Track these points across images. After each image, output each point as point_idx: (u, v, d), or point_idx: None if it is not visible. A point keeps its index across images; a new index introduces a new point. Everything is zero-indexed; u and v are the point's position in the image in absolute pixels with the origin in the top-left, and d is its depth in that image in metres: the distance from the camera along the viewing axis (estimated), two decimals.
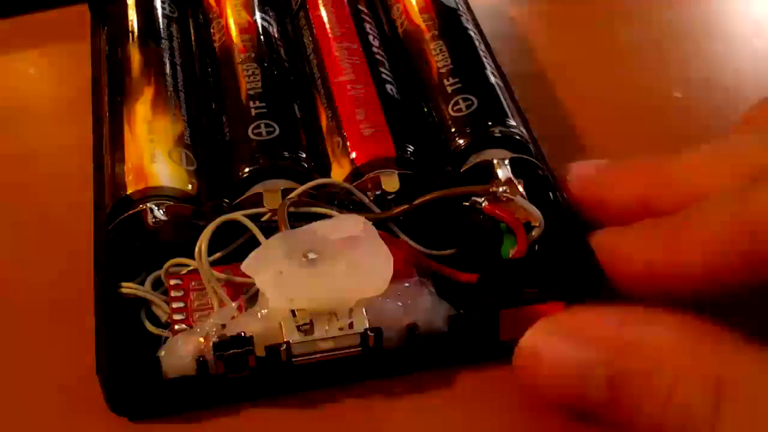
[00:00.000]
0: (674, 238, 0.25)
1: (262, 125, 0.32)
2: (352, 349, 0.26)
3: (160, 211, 0.29)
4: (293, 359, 0.26)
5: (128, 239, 0.29)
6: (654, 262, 0.26)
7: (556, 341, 0.25)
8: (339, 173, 0.31)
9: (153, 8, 0.36)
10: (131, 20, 0.36)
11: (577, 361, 0.24)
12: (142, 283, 0.29)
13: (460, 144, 0.31)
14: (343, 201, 0.30)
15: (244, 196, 0.30)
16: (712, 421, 0.22)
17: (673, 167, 0.27)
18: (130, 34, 0.35)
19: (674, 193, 0.27)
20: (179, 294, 0.28)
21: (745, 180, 0.24)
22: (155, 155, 0.30)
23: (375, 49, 0.35)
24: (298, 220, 0.29)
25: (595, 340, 0.24)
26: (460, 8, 0.36)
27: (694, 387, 0.23)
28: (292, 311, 0.26)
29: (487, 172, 0.30)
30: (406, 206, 0.30)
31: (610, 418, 0.25)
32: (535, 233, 0.29)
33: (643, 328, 0.24)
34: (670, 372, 0.23)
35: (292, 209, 0.29)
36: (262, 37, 0.35)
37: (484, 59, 0.34)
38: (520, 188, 0.30)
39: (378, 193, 0.30)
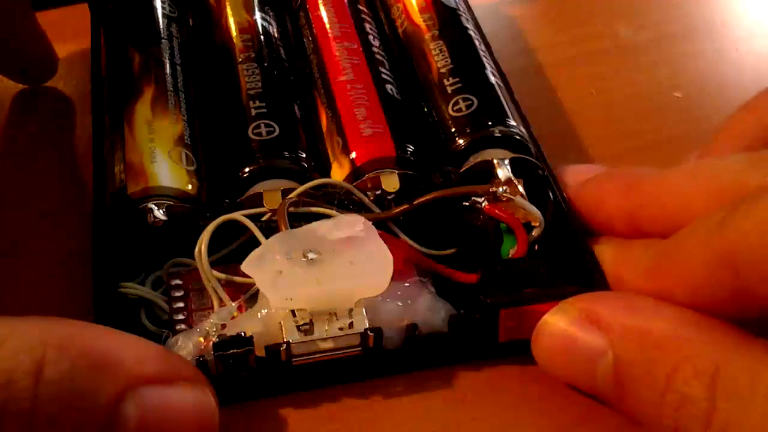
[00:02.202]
0: (658, 267, 0.26)
1: (262, 125, 0.32)
2: (352, 349, 0.26)
3: (160, 211, 0.29)
4: (293, 359, 0.26)
5: (128, 239, 0.29)
6: (640, 287, 0.26)
7: (569, 324, 0.26)
8: (339, 173, 0.31)
9: (153, 8, 0.36)
10: (131, 20, 0.36)
11: (586, 345, 0.25)
12: (142, 283, 0.29)
13: (460, 144, 0.31)
14: (343, 201, 0.30)
15: (244, 196, 0.30)
16: (708, 413, 0.22)
17: (658, 187, 0.28)
18: (130, 34, 0.35)
19: (660, 213, 0.27)
20: (179, 294, 0.28)
21: (727, 203, 0.24)
22: (155, 155, 0.30)
23: (375, 49, 0.35)
24: (298, 220, 0.29)
25: (604, 327, 0.25)
26: (460, 8, 0.36)
27: (692, 378, 0.23)
28: (292, 311, 0.26)
29: (487, 172, 0.30)
30: (406, 206, 0.30)
31: (616, 405, 0.25)
32: (535, 233, 0.29)
33: (648, 317, 0.25)
34: (669, 362, 0.23)
35: (291, 209, 0.29)
36: (262, 37, 0.35)
37: (484, 59, 0.34)
38: (520, 188, 0.30)
39: (378, 193, 0.30)
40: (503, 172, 0.30)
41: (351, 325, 0.26)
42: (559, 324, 0.26)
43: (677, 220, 0.26)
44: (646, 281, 0.26)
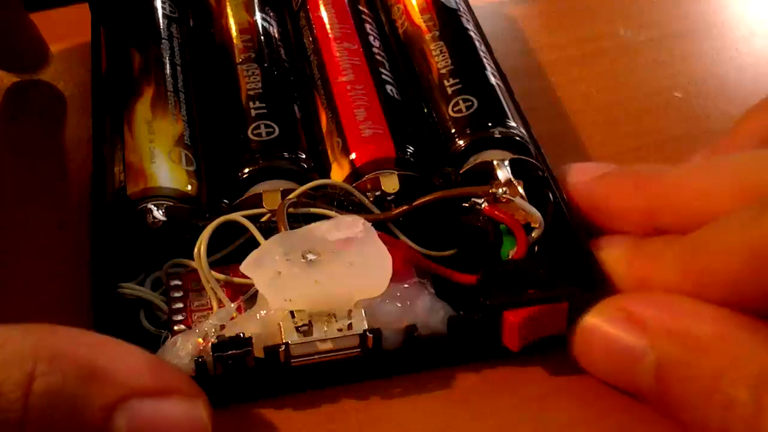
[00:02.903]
0: (688, 263, 0.26)
1: (262, 126, 0.32)
2: (351, 350, 0.26)
3: (160, 211, 0.29)
4: (292, 360, 0.26)
5: (128, 239, 0.29)
6: (669, 285, 0.26)
7: (611, 324, 0.26)
8: (339, 174, 0.31)
9: (153, 8, 0.36)
10: (132, 20, 0.36)
11: (627, 345, 0.25)
12: (141, 283, 0.29)
13: (460, 145, 0.31)
14: (343, 202, 0.30)
15: (243, 197, 0.30)
16: (755, 415, 0.22)
17: (679, 181, 0.28)
18: (130, 34, 0.35)
19: (680, 208, 0.27)
20: (178, 295, 0.28)
21: (752, 199, 0.24)
22: (155, 155, 0.30)
23: (375, 50, 0.35)
24: (298, 220, 0.29)
25: (646, 327, 0.25)
26: (461, 9, 0.36)
27: (737, 381, 0.23)
28: (291, 312, 0.26)
29: (487, 173, 0.30)
30: (405, 207, 0.30)
31: (658, 405, 0.25)
32: (535, 234, 0.29)
33: (693, 318, 0.25)
34: (714, 364, 0.23)
35: (291, 210, 0.29)
36: (262, 37, 0.35)
37: (485, 60, 0.34)
38: (520, 189, 0.30)
39: (377, 193, 0.30)
40: (503, 173, 0.30)
41: (350, 326, 0.26)
42: (600, 324, 0.26)
43: (699, 216, 0.26)
44: (676, 277, 0.26)
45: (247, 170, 0.31)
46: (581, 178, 0.30)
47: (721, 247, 0.25)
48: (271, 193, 0.30)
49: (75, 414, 0.22)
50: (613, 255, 0.28)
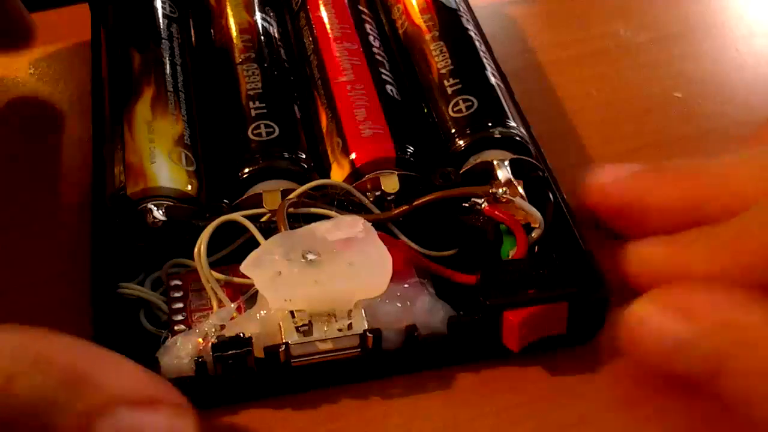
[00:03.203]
0: (725, 248, 0.25)
1: (262, 126, 0.32)
2: (351, 350, 0.26)
3: (160, 211, 0.29)
4: (292, 360, 0.26)
5: (128, 239, 0.29)
6: (706, 271, 0.26)
7: (661, 313, 0.25)
8: (339, 174, 0.31)
9: (153, 8, 0.36)
10: (132, 21, 0.36)
11: (680, 334, 0.25)
12: (141, 284, 0.29)
13: (460, 145, 0.31)
14: (343, 202, 0.30)
15: (243, 197, 0.30)
16: None
17: (725, 171, 0.27)
18: (130, 34, 0.35)
19: (725, 197, 0.27)
20: (178, 295, 0.28)
21: None
22: (155, 155, 0.30)
23: (375, 50, 0.35)
24: (298, 220, 0.29)
25: (699, 316, 0.25)
26: (461, 9, 0.36)
27: None
28: (291, 312, 0.26)
29: (487, 173, 0.30)
30: (405, 207, 0.30)
31: (713, 391, 0.25)
32: (534, 234, 0.29)
33: (747, 307, 0.24)
34: (764, 355, 0.23)
35: (291, 210, 0.29)
36: (262, 37, 0.35)
37: (485, 60, 0.34)
38: (520, 189, 0.30)
39: (378, 193, 0.30)
40: (503, 173, 0.30)
41: (350, 326, 0.26)
42: (649, 314, 0.25)
43: (745, 205, 0.26)
44: (711, 263, 0.26)
45: (247, 170, 0.31)
46: (609, 178, 0.29)
47: (757, 231, 0.25)
48: (271, 193, 0.30)
49: (54, 416, 0.22)
50: (648, 251, 0.27)
